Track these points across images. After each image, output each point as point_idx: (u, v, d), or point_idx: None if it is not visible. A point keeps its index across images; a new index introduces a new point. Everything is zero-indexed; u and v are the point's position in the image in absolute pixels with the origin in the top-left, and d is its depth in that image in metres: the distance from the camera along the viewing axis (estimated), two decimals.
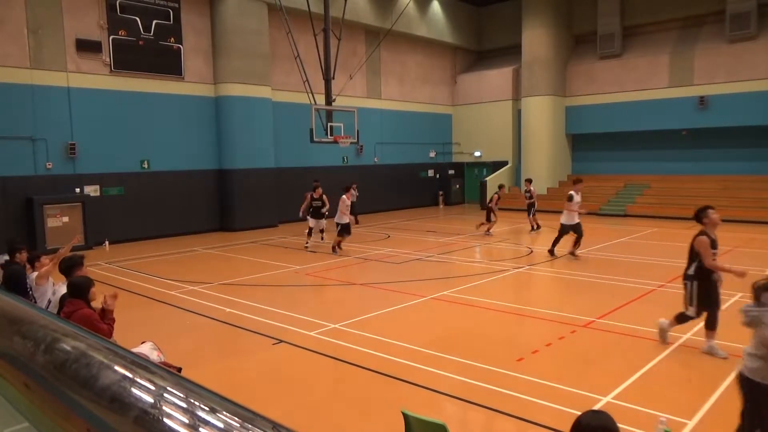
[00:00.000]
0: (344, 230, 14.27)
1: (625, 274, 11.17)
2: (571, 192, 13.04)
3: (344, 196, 14.27)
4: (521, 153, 26.55)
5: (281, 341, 7.30)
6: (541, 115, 25.48)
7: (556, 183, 26.17)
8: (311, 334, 7.59)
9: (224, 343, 7.62)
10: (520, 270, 11.95)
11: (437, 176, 28.36)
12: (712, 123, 22.30)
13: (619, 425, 2.23)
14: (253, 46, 19.15)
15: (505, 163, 27.56)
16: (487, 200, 18.36)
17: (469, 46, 29.06)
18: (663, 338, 6.92)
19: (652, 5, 24.03)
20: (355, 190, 20.52)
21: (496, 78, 27.78)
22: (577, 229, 12.91)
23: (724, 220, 13.39)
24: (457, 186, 29.18)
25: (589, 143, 26.53)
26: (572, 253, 13.00)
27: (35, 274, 5.94)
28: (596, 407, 4.90)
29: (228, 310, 8.90)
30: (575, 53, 26.51)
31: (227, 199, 19.28)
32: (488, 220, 17.37)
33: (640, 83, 24.01)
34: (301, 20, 18.91)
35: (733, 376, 5.81)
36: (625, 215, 22.09)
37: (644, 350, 6.70)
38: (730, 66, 21.84)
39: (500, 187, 18.59)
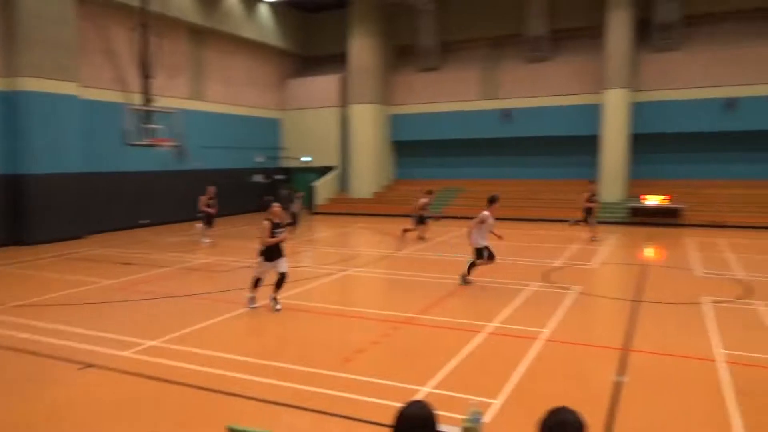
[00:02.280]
0: (485, 255, 10.55)
1: (443, 270, 12.03)
2: None
3: (486, 212, 10.48)
4: (348, 158, 27.26)
5: (90, 365, 6.61)
6: (367, 122, 26.44)
7: (381, 187, 27.38)
8: (125, 354, 6.99)
9: (20, 375, 6.68)
10: (346, 272, 12.26)
11: (266, 181, 27.92)
12: (514, 133, 25.04)
13: (438, 412, 2.39)
14: (55, 36, 17.03)
15: (332, 169, 28.09)
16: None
17: (297, 51, 29.12)
18: None
19: (464, 24, 26.26)
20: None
21: (324, 84, 28.22)
22: None
23: (523, 220, 14.87)
24: (287, 192, 29.00)
25: (411, 150, 28.14)
26: None
27: None
28: (416, 398, 5.20)
29: (24, 335, 7.82)
30: (398, 64, 27.95)
31: (22, 209, 16.86)
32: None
33: (454, 95, 26.12)
34: (116, 12, 17.34)
35: (532, 357, 6.58)
36: (442, 217, 23.82)
37: (458, 340, 7.26)
38: (529, 83, 24.75)
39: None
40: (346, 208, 25.64)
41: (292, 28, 28.39)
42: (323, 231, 19.41)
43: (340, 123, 27.87)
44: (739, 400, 5.39)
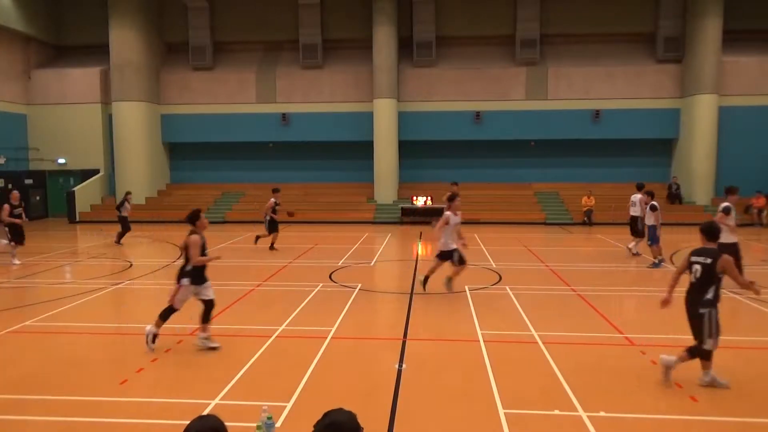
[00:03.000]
0: (455, 258, 9.98)
1: (227, 277, 11.67)
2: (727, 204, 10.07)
3: (448, 212, 9.82)
4: (115, 161, 24.80)
5: None
6: (135, 121, 24.35)
7: (155, 192, 25.49)
8: None
9: None
10: (120, 286, 11.16)
11: (9, 186, 23.91)
12: (293, 138, 25.41)
13: (229, 423, 2.31)
14: None
15: (96, 172, 25.30)
16: None
17: (46, 39, 25.51)
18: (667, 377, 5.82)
19: (239, 24, 25.79)
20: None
21: (82, 78, 25.23)
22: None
23: (298, 222, 14.86)
24: (38, 198, 25.28)
25: (187, 152, 26.72)
26: None
27: None
28: (206, 412, 4.97)
29: None
30: (168, 61, 26.28)
31: None
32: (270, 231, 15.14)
33: (231, 97, 25.50)
34: None
35: (321, 356, 6.76)
36: (224, 222, 23.12)
37: (248, 347, 7.13)
38: (305, 89, 25.32)
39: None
40: (114, 215, 23.25)
41: (39, 11, 24.81)
42: (87, 241, 17.35)
43: (105, 121, 25.22)
44: (494, 370, 6.26)
